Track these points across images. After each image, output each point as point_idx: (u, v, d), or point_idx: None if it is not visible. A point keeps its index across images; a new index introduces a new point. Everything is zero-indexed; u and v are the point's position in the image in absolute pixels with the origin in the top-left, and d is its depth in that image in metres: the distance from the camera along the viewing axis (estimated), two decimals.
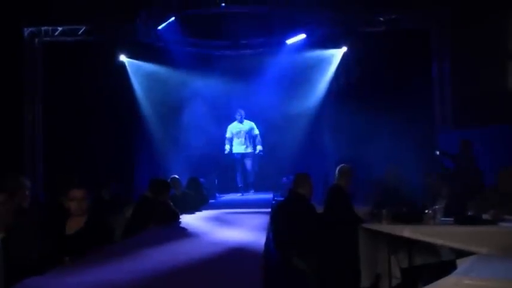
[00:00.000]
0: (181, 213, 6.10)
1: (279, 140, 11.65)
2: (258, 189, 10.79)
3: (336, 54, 12.06)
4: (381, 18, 10.85)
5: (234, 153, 10.75)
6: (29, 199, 4.47)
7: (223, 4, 9.97)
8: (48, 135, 11.23)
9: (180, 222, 5.55)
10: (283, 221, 5.55)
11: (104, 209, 6.63)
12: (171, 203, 5.86)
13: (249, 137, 10.74)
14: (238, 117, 10.76)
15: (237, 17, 10.58)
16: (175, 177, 8.28)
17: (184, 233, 4.47)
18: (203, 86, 11.83)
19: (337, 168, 6.38)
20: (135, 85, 12.08)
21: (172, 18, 10.51)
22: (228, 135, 10.81)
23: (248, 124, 10.78)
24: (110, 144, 11.03)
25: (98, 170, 10.03)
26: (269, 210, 6.45)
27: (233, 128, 10.80)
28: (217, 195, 10.34)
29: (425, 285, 5.09)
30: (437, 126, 10.80)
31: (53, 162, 10.77)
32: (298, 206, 5.62)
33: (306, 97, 12.02)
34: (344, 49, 11.88)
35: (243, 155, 10.73)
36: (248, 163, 10.74)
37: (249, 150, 10.73)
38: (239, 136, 10.73)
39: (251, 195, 10.46)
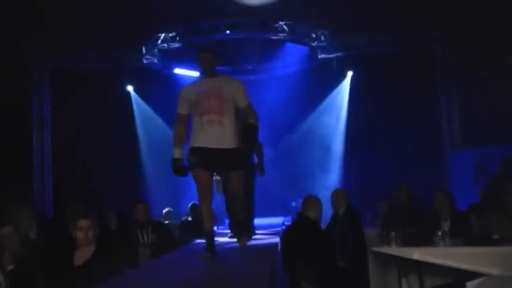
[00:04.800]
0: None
1: (287, 162, 11.68)
2: (265, 214, 10.32)
3: (342, 77, 12.13)
4: (385, 40, 10.90)
5: (194, 150, 4.57)
6: (35, 229, 4.48)
7: (227, 31, 10.07)
8: (57, 163, 11.33)
9: (185, 249, 5.53)
10: (292, 245, 5.54)
11: (112, 239, 6.63)
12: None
13: (228, 114, 4.58)
14: (205, 66, 4.68)
15: (242, 43, 10.68)
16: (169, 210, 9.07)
17: (190, 260, 4.45)
18: None
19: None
20: (136, 116, 12.16)
21: (178, 45, 10.64)
22: (180, 111, 4.68)
23: (229, 83, 4.70)
24: (116, 170, 11.11)
25: (106, 195, 10.05)
26: (278, 234, 6.42)
27: (192, 91, 4.69)
28: (226, 220, 10.29)
29: None
30: (446, 146, 10.76)
31: (62, 189, 10.83)
32: (307, 229, 5.62)
33: (313, 120, 12.05)
34: (350, 72, 11.97)
35: (216, 156, 4.53)
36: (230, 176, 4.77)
37: (229, 145, 4.56)
38: (206, 111, 4.55)
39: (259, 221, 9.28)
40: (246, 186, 5.42)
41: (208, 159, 4.53)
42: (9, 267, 3.82)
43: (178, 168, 4.63)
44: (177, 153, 4.64)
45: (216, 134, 4.53)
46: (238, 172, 4.73)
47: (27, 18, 9.65)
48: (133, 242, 6.02)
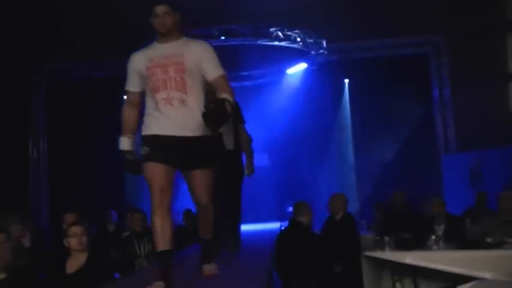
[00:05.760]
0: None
1: (284, 167, 11.70)
2: (261, 220, 10.23)
3: (339, 82, 12.15)
4: (380, 45, 10.92)
5: (145, 140, 3.33)
6: (29, 237, 4.49)
7: (222, 37, 10.08)
8: (53, 170, 11.30)
9: (180, 255, 5.52)
10: (284, 250, 5.54)
11: (109, 242, 6.63)
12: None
13: (194, 90, 3.33)
14: (159, 24, 3.37)
15: (237, 49, 10.68)
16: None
17: (184, 267, 4.45)
18: None
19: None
20: None
21: None
22: (129, 87, 3.48)
23: (193, 48, 3.38)
24: (114, 177, 11.08)
25: (102, 202, 10.03)
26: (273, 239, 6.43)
27: (142, 59, 3.40)
28: None
29: None
30: (441, 149, 10.78)
31: (58, 197, 10.80)
32: (299, 235, 5.62)
33: (309, 125, 12.05)
34: (346, 78, 11.99)
35: (176, 147, 3.28)
36: (198, 176, 3.41)
37: (194, 132, 3.30)
38: (162, 85, 3.30)
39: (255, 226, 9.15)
40: (230, 190, 4.79)
41: (165, 150, 3.25)
42: (1, 276, 3.83)
43: (129, 164, 3.46)
44: (125, 143, 3.44)
45: (176, 117, 3.27)
46: (206, 169, 3.40)
47: (24, 25, 9.65)
48: (130, 253, 5.99)
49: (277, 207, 11.24)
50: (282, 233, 6.07)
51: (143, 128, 3.37)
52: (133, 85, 3.46)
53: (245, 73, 11.81)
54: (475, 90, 9.81)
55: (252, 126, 8.03)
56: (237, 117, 4.78)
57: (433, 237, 5.20)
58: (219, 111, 2.98)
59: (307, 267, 5.30)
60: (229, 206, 4.86)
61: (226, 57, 10.77)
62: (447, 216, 5.90)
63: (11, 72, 10.18)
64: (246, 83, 11.78)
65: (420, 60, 11.12)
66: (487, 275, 4.43)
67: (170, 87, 3.28)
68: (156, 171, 3.22)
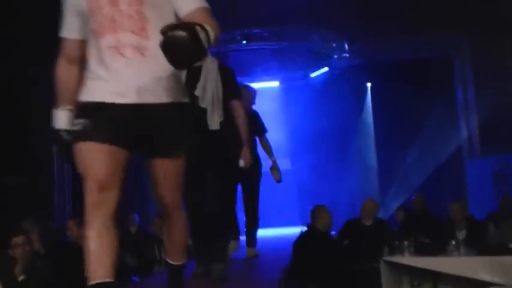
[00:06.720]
0: None
1: (306, 170, 11.67)
2: (283, 224, 10.21)
3: (361, 85, 12.07)
4: (402, 48, 10.82)
5: (83, 109, 2.20)
6: (47, 241, 4.56)
7: (244, 41, 10.10)
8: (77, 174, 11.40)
9: None
10: (301, 255, 5.51)
11: (130, 245, 6.66)
12: None
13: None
14: None
15: (259, 53, 10.69)
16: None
17: None
18: None
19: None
20: None
21: None
22: (65, 33, 2.28)
23: None
24: (137, 179, 11.14)
25: (125, 205, 10.06)
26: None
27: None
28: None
29: None
30: (465, 152, 10.63)
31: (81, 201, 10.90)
32: (316, 240, 5.59)
33: (331, 130, 12.01)
34: (369, 83, 11.91)
35: (129, 120, 2.14)
36: (162, 165, 2.29)
37: (157, 98, 2.16)
38: (109, 26, 2.14)
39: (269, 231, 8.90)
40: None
41: (113, 125, 2.14)
42: (21, 277, 3.90)
43: (63, 146, 2.29)
44: (62, 118, 2.30)
45: (130, 74, 2.14)
46: (175, 154, 2.29)
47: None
48: (150, 257, 6.02)
49: (299, 211, 11.23)
50: (299, 238, 6.07)
51: (81, 92, 2.25)
52: (70, 29, 2.27)
53: (267, 77, 11.80)
54: (499, 92, 9.65)
55: (274, 130, 8.03)
56: (229, 90, 3.63)
57: (453, 242, 5.12)
58: (189, 40, 1.81)
59: (325, 272, 5.27)
60: (219, 217, 3.69)
61: (248, 61, 10.85)
62: (469, 220, 5.82)
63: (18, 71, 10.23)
64: (268, 87, 11.79)
65: (443, 62, 10.99)
66: (509, 281, 4.35)
67: (120, 28, 2.13)
68: (94, 157, 2.10)
